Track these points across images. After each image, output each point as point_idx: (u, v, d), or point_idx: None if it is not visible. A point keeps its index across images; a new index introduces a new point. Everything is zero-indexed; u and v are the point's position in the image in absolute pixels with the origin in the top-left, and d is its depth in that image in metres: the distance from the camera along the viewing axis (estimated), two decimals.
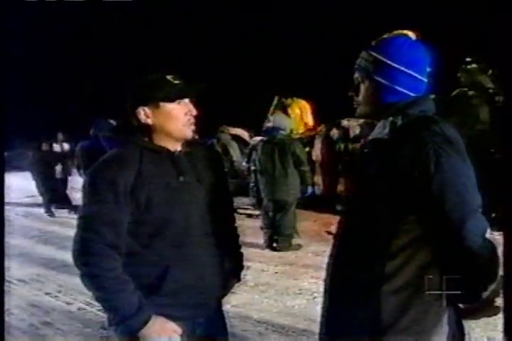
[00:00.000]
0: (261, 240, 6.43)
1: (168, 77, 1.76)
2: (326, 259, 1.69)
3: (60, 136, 10.36)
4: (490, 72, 6.67)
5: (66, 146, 10.45)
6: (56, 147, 10.27)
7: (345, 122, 9.13)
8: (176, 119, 1.75)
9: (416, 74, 1.55)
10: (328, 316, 1.64)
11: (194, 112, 1.78)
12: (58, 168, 10.10)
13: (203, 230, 1.80)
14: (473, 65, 6.75)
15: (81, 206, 1.73)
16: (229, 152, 9.38)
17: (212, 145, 8.65)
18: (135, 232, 1.72)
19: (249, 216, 8.52)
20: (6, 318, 3.69)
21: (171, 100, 1.74)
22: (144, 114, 1.74)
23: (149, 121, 1.74)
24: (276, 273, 5.34)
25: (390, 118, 1.53)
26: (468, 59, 6.79)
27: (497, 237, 1.46)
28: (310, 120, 10.74)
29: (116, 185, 1.66)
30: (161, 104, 1.74)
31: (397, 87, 1.54)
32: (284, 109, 10.47)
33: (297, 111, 10.65)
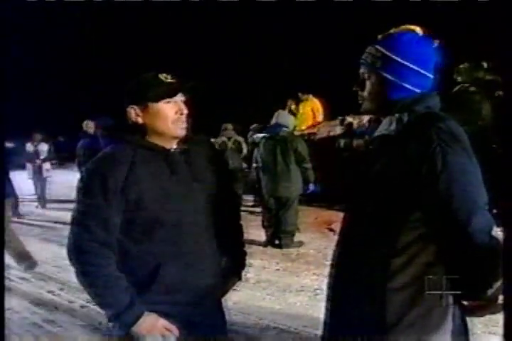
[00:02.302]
0: (263, 237, 6.43)
1: (160, 76, 1.75)
2: (327, 256, 1.69)
3: (37, 136, 10.22)
4: (485, 65, 6.66)
5: (44, 146, 10.34)
6: (29, 147, 10.15)
7: (349, 119, 9.14)
8: (165, 118, 1.74)
9: (423, 71, 1.54)
10: (332, 313, 1.64)
11: (185, 111, 1.77)
12: (29, 167, 10.00)
13: (199, 229, 1.79)
14: (467, 64, 6.75)
15: (75, 203, 1.74)
16: (242, 148, 9.39)
17: (210, 142, 8.59)
18: (127, 230, 1.72)
19: (251, 213, 8.53)
20: (10, 316, 3.71)
21: (157, 100, 1.74)
22: (134, 113, 1.75)
23: (140, 120, 1.76)
24: (277, 270, 5.35)
25: (397, 115, 1.52)
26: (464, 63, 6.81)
27: (499, 233, 1.46)
28: (318, 120, 10.76)
29: (107, 182, 1.66)
30: (149, 103, 1.74)
31: (404, 84, 1.53)
32: (296, 103, 10.50)
33: (308, 109, 10.67)
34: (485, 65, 6.62)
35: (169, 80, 1.75)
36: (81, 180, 1.74)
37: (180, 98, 1.77)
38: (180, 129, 1.77)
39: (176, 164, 1.77)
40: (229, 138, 9.31)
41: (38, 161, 10.09)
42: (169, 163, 1.76)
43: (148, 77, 1.76)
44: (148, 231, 1.72)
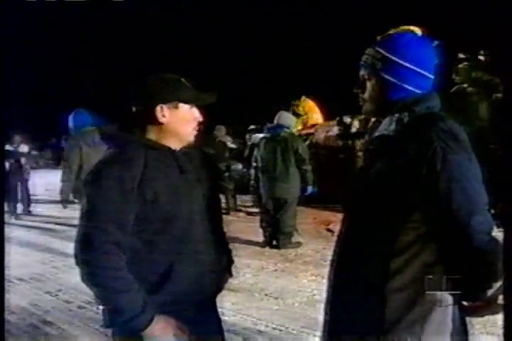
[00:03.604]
0: (260, 238, 6.43)
1: (183, 80, 1.78)
2: (325, 257, 1.70)
3: (17, 138, 10.11)
4: (482, 58, 6.67)
5: (25, 148, 10.20)
6: (9, 148, 10.05)
7: (347, 119, 9.15)
8: (190, 122, 1.78)
9: (423, 72, 1.54)
10: (331, 314, 1.64)
11: (201, 119, 1.81)
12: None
13: (203, 228, 1.81)
14: (466, 63, 6.75)
15: (85, 203, 1.70)
16: (227, 147, 9.44)
17: (200, 145, 8.62)
18: (139, 230, 1.71)
19: (249, 214, 8.53)
20: (7, 317, 3.69)
21: (190, 103, 1.77)
22: (161, 112, 1.74)
23: (164, 120, 1.75)
24: (275, 270, 5.34)
25: (397, 115, 1.52)
26: (461, 56, 6.79)
27: (498, 234, 1.46)
28: (315, 121, 10.79)
29: (124, 182, 1.64)
30: (180, 104, 1.75)
31: (404, 85, 1.53)
32: (295, 107, 10.56)
33: (305, 111, 10.70)
34: (482, 57, 6.61)
35: (190, 85, 1.78)
36: (94, 179, 1.70)
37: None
38: (194, 135, 1.81)
39: (183, 164, 1.79)
40: (214, 139, 9.35)
41: (15, 163, 9.93)
42: (178, 163, 1.77)
43: (174, 79, 1.78)
44: (160, 231, 1.72)
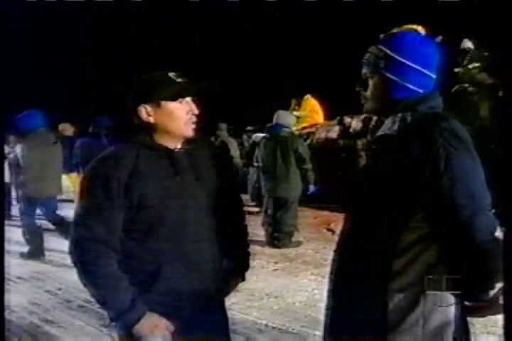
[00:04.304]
0: (261, 237, 6.43)
1: (171, 75, 1.74)
2: (326, 256, 1.69)
3: (11, 138, 10.08)
4: (486, 54, 6.65)
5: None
6: (6, 149, 9.97)
7: (347, 119, 9.13)
8: (178, 118, 1.73)
9: (426, 71, 1.54)
10: (332, 314, 1.63)
11: (196, 111, 1.77)
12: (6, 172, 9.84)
13: (202, 229, 1.78)
14: (475, 64, 6.74)
15: (77, 203, 1.74)
16: (228, 149, 9.39)
17: (211, 142, 8.57)
18: (129, 229, 1.72)
19: (250, 213, 8.52)
20: (7, 316, 3.69)
21: (173, 99, 1.73)
22: (146, 113, 1.72)
23: (151, 120, 1.73)
24: (276, 270, 5.35)
25: (400, 115, 1.51)
26: (468, 45, 6.74)
27: (499, 234, 1.46)
28: (316, 120, 10.75)
29: (110, 182, 1.66)
30: (163, 102, 1.72)
31: (406, 84, 1.53)
32: (297, 105, 10.52)
33: (308, 109, 10.66)
34: (485, 53, 6.58)
35: (180, 79, 1.74)
36: (84, 179, 1.74)
37: (190, 98, 1.76)
38: (191, 130, 1.76)
39: (179, 164, 1.76)
40: (216, 138, 9.30)
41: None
42: (173, 163, 1.75)
43: (159, 76, 1.75)
44: (150, 231, 1.72)
